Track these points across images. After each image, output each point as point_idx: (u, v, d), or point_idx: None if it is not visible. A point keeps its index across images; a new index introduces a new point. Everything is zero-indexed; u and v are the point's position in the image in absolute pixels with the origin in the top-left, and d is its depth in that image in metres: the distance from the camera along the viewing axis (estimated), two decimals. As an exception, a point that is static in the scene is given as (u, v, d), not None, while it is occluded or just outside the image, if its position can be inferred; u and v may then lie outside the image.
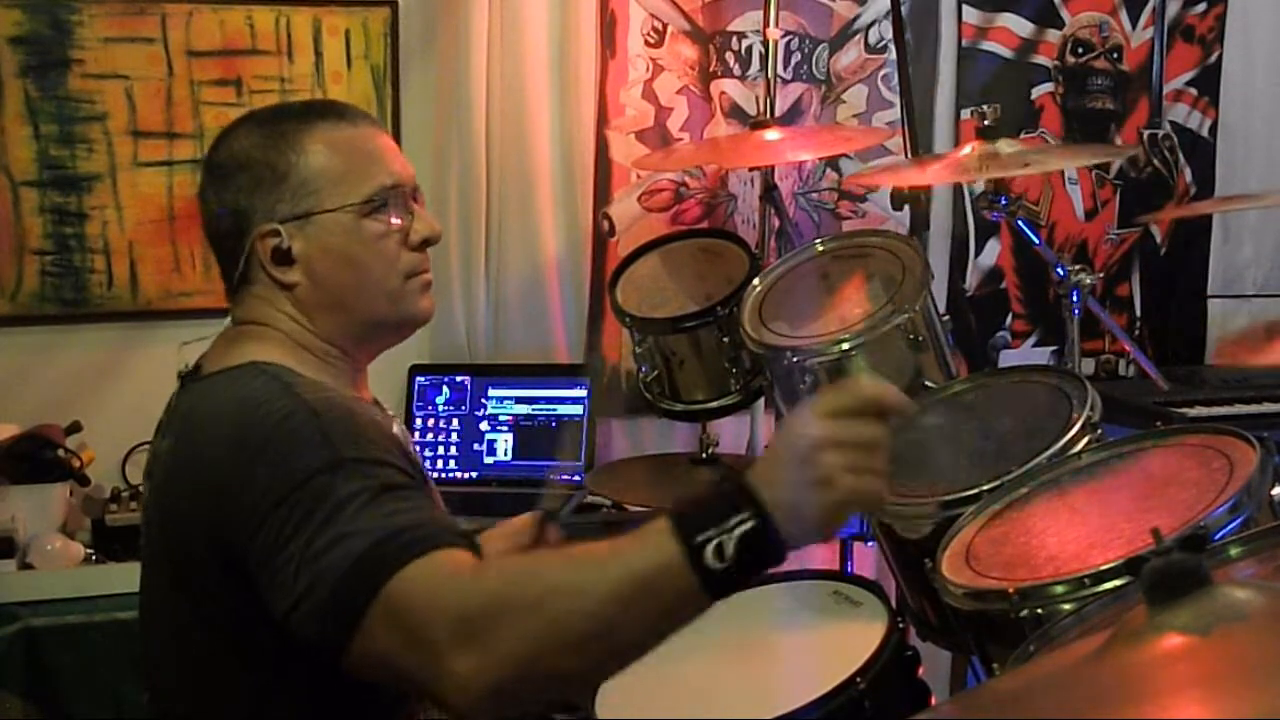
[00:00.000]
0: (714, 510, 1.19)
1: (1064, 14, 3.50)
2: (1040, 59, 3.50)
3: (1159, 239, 3.63)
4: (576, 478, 2.99)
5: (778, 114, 2.99)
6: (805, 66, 3.32)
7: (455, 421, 3.09)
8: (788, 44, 3.27)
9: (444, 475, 3.04)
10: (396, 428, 1.61)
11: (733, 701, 1.76)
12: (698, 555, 1.17)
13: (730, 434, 2.99)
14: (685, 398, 2.52)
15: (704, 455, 2.61)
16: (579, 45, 3.14)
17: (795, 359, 2.12)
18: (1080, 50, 3.53)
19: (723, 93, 3.26)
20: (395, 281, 1.55)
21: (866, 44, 3.36)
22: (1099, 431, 1.84)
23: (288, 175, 1.50)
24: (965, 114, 3.39)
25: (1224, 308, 3.66)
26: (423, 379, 3.11)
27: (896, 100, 3.28)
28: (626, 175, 3.23)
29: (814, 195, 3.37)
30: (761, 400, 2.61)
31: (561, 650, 1.20)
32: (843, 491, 1.19)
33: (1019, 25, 3.47)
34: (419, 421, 3.08)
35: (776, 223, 2.95)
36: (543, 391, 3.07)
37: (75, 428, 2.74)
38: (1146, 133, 3.60)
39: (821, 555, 2.96)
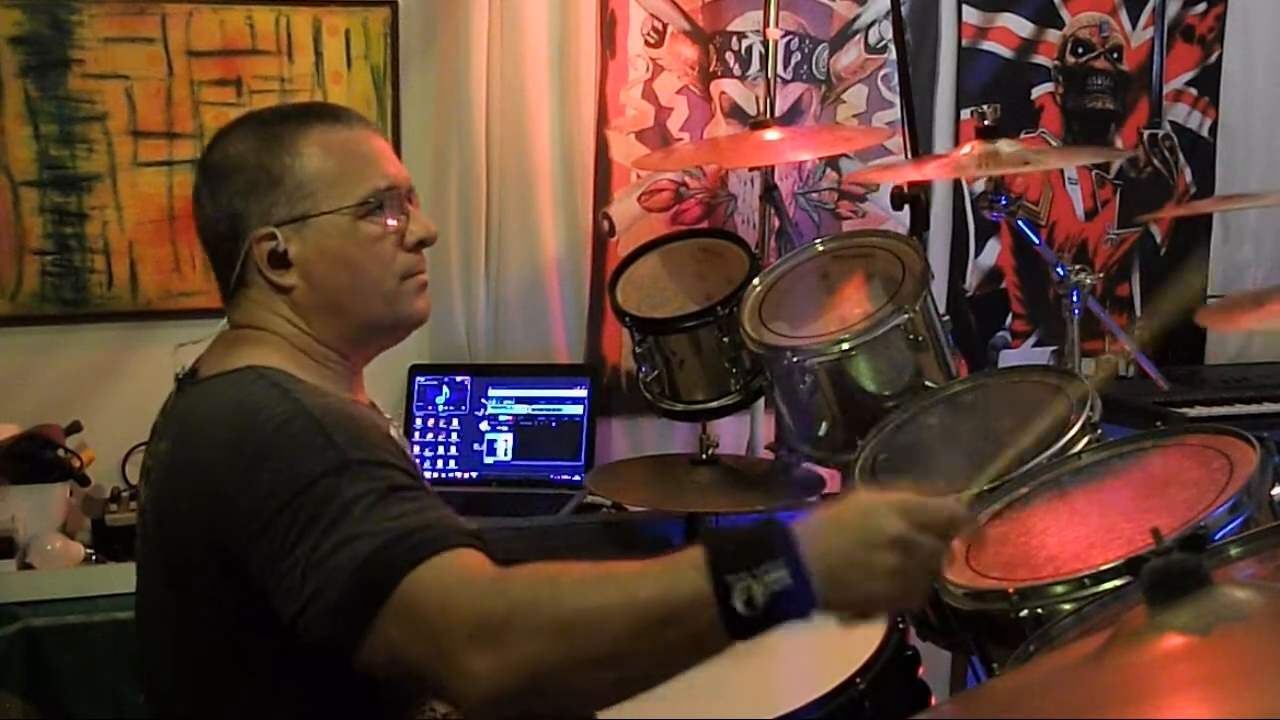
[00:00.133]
0: (751, 553, 1.18)
1: (1064, 14, 3.50)
2: (1040, 59, 3.50)
3: (1159, 239, 3.63)
4: (576, 478, 2.99)
5: (778, 114, 3.00)
6: (805, 66, 3.32)
7: (455, 421, 3.09)
8: (788, 44, 3.27)
9: (444, 475, 3.04)
10: (394, 431, 1.61)
11: (733, 701, 1.76)
12: (726, 596, 1.17)
13: (730, 434, 2.98)
14: (685, 398, 2.52)
15: (704, 455, 2.61)
16: (579, 45, 3.14)
17: (795, 359, 2.12)
18: (1080, 50, 3.52)
19: (723, 93, 3.26)
20: (391, 283, 1.55)
21: (866, 44, 3.36)
22: (1099, 431, 1.84)
23: (283, 178, 1.50)
24: (965, 114, 3.39)
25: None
26: (423, 379, 3.11)
27: (896, 100, 3.28)
28: (626, 175, 3.23)
29: (814, 195, 3.37)
30: (761, 400, 2.61)
31: (577, 666, 1.20)
32: (884, 587, 1.20)
33: (1019, 25, 3.47)
34: (419, 421, 3.08)
35: (776, 223, 2.95)
36: (543, 391, 3.07)
37: (75, 428, 2.74)
38: (1146, 133, 3.60)
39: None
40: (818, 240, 2.39)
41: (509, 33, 3.09)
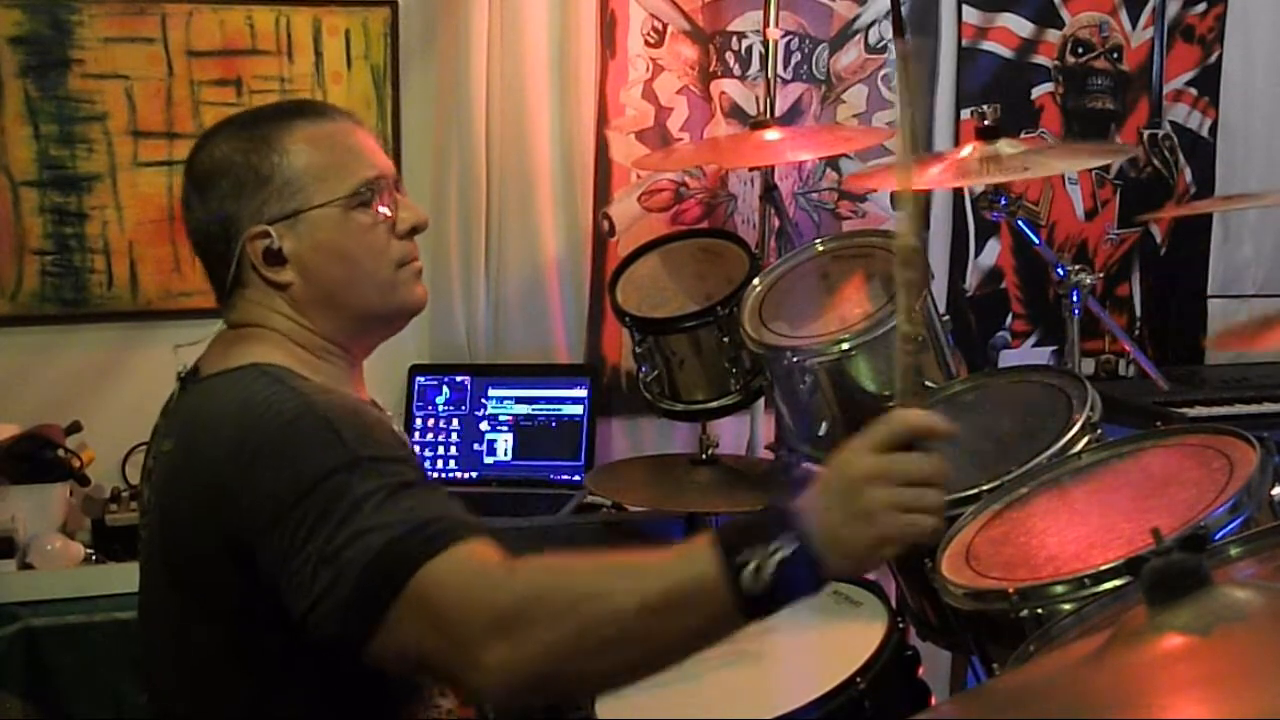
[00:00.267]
0: (755, 533, 1.20)
1: (1064, 14, 3.50)
2: (1040, 59, 3.50)
3: (1159, 239, 3.63)
4: (576, 478, 2.99)
5: (778, 114, 3.00)
6: (805, 66, 3.32)
7: (455, 421, 3.09)
8: (788, 44, 3.27)
9: (444, 475, 3.04)
10: (395, 427, 1.61)
11: (733, 701, 1.76)
12: (736, 576, 1.19)
13: (730, 434, 2.99)
14: (685, 398, 2.52)
15: (704, 455, 2.61)
16: (579, 45, 3.14)
17: (795, 359, 2.12)
18: (1080, 50, 3.52)
19: (723, 93, 3.26)
20: (387, 271, 1.55)
21: (866, 44, 3.36)
22: (1099, 431, 1.84)
23: (271, 176, 1.50)
24: (965, 114, 3.39)
25: (1224, 307, 3.66)
26: (423, 379, 3.11)
27: (896, 100, 3.28)
28: (626, 175, 3.23)
29: (814, 195, 3.37)
30: (761, 400, 2.61)
31: (592, 653, 1.22)
32: (884, 527, 1.20)
33: (1019, 25, 3.47)
34: (419, 421, 3.08)
35: (776, 223, 2.95)
36: (543, 391, 3.07)
37: (75, 428, 2.74)
38: (1146, 133, 3.60)
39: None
40: (818, 240, 2.39)
41: (509, 33, 3.09)
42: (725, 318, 2.39)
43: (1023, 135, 3.44)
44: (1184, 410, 2.94)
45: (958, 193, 3.44)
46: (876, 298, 2.16)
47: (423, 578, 1.24)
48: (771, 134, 2.70)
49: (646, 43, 3.21)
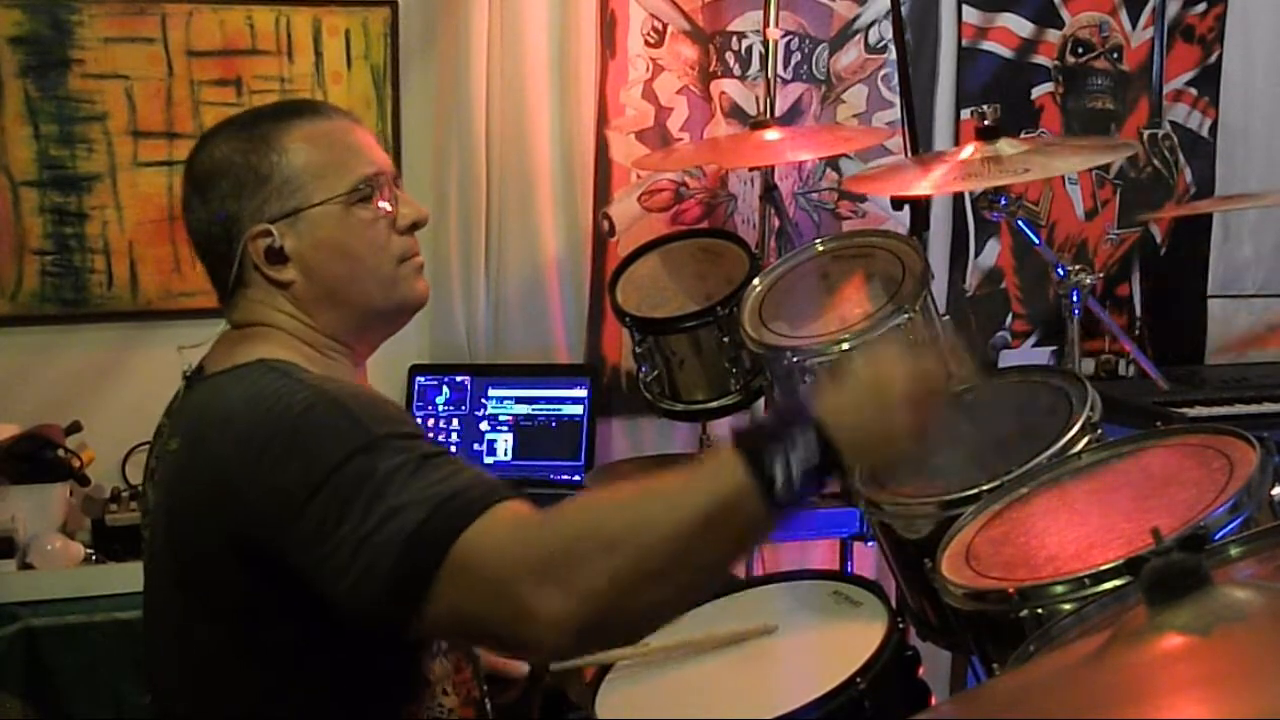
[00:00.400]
0: (776, 434, 1.25)
1: (1064, 14, 3.50)
2: (1040, 59, 3.50)
3: (1159, 239, 3.64)
4: (576, 478, 2.99)
5: (778, 114, 3.00)
6: (805, 66, 3.32)
7: (455, 421, 3.09)
8: (788, 44, 3.27)
9: (444, 475, 3.03)
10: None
11: (733, 701, 1.76)
12: (764, 477, 1.23)
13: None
14: (685, 398, 2.52)
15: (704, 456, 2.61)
16: (579, 45, 3.14)
17: (795, 359, 2.12)
18: (1080, 50, 3.53)
19: (723, 93, 3.26)
20: (389, 267, 1.56)
21: (866, 44, 3.36)
22: (1099, 431, 1.84)
23: (271, 175, 1.51)
24: (965, 114, 3.39)
25: (1224, 308, 3.66)
26: (423, 379, 3.11)
27: (896, 100, 3.28)
28: (626, 175, 3.23)
29: (814, 195, 3.37)
30: (761, 400, 2.61)
31: (642, 581, 1.24)
32: (901, 442, 1.29)
33: (1019, 25, 3.47)
34: (419, 421, 3.08)
35: (776, 223, 2.95)
36: (543, 391, 3.07)
37: (75, 428, 2.74)
38: (1146, 133, 3.60)
39: (821, 555, 2.96)
40: (818, 240, 2.39)
41: (509, 33, 3.09)
42: (725, 318, 2.39)
43: (1023, 135, 3.44)
44: (1184, 410, 2.94)
45: (958, 193, 3.44)
46: (876, 298, 2.16)
47: (463, 544, 1.25)
48: (771, 134, 2.70)
49: (646, 43, 3.21)
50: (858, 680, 1.67)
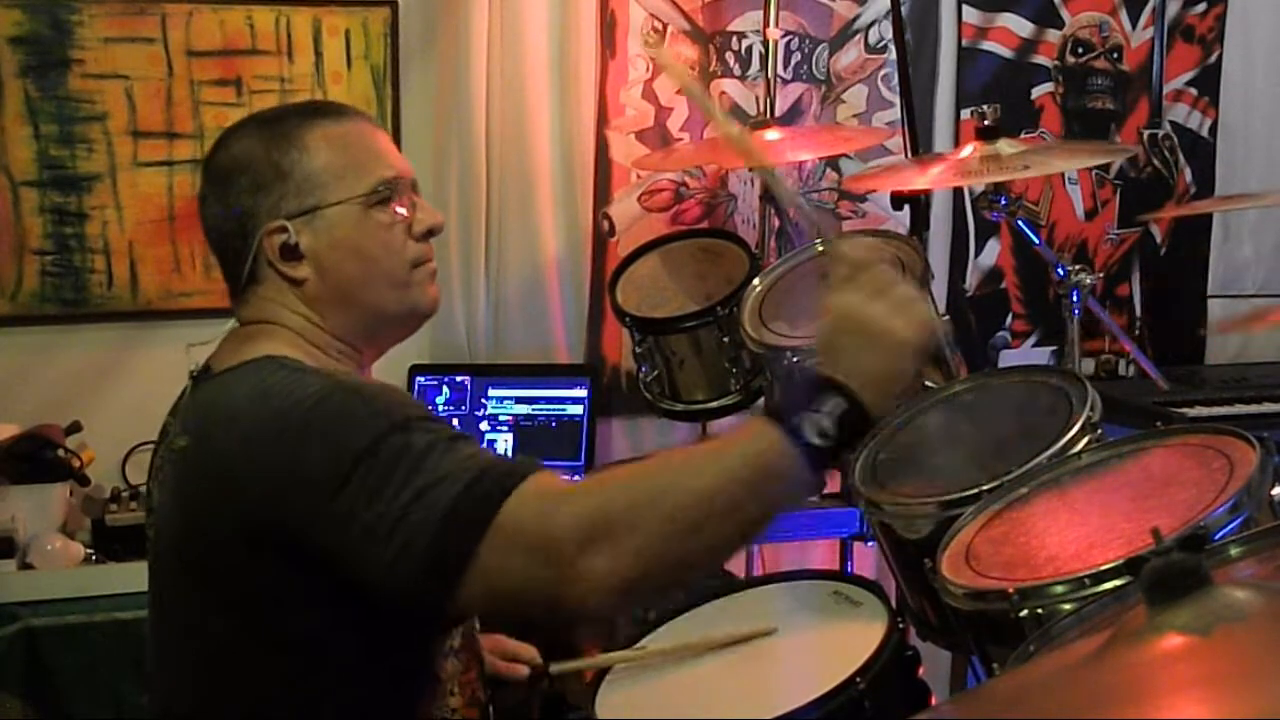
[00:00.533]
0: (802, 397, 1.31)
1: (1064, 14, 3.50)
2: (1040, 59, 3.50)
3: (1159, 239, 3.64)
4: (576, 478, 2.99)
5: (778, 114, 3.00)
6: (805, 66, 3.32)
7: (455, 421, 3.08)
8: (788, 44, 3.27)
9: (444, 475, 3.03)
10: None
11: (733, 701, 1.76)
12: (800, 437, 1.28)
13: (730, 434, 2.98)
14: (685, 398, 2.52)
15: (704, 455, 2.61)
16: (579, 45, 3.14)
17: (795, 359, 2.12)
18: (1080, 50, 3.53)
19: (723, 93, 3.26)
20: (402, 271, 1.57)
21: (866, 44, 3.36)
22: (1099, 431, 1.84)
23: (291, 172, 1.52)
24: (965, 114, 3.39)
25: (1224, 308, 3.66)
26: (423, 379, 3.11)
27: (896, 100, 3.28)
28: (626, 175, 3.23)
29: (814, 195, 3.37)
30: (761, 400, 2.61)
31: (684, 538, 1.27)
32: (899, 331, 1.32)
33: (1019, 25, 3.47)
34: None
35: (776, 223, 2.95)
36: (543, 391, 3.07)
37: (75, 428, 2.74)
38: (1146, 133, 3.60)
39: (821, 555, 2.96)
40: (818, 240, 2.38)
41: (509, 33, 3.09)
42: (725, 318, 2.39)
43: (1023, 135, 3.44)
44: (1184, 410, 2.94)
45: (958, 192, 3.44)
46: (876, 298, 2.16)
47: (505, 514, 1.28)
48: (771, 134, 2.71)
49: (646, 43, 3.21)
50: (858, 680, 1.67)
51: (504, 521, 1.28)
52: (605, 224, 3.23)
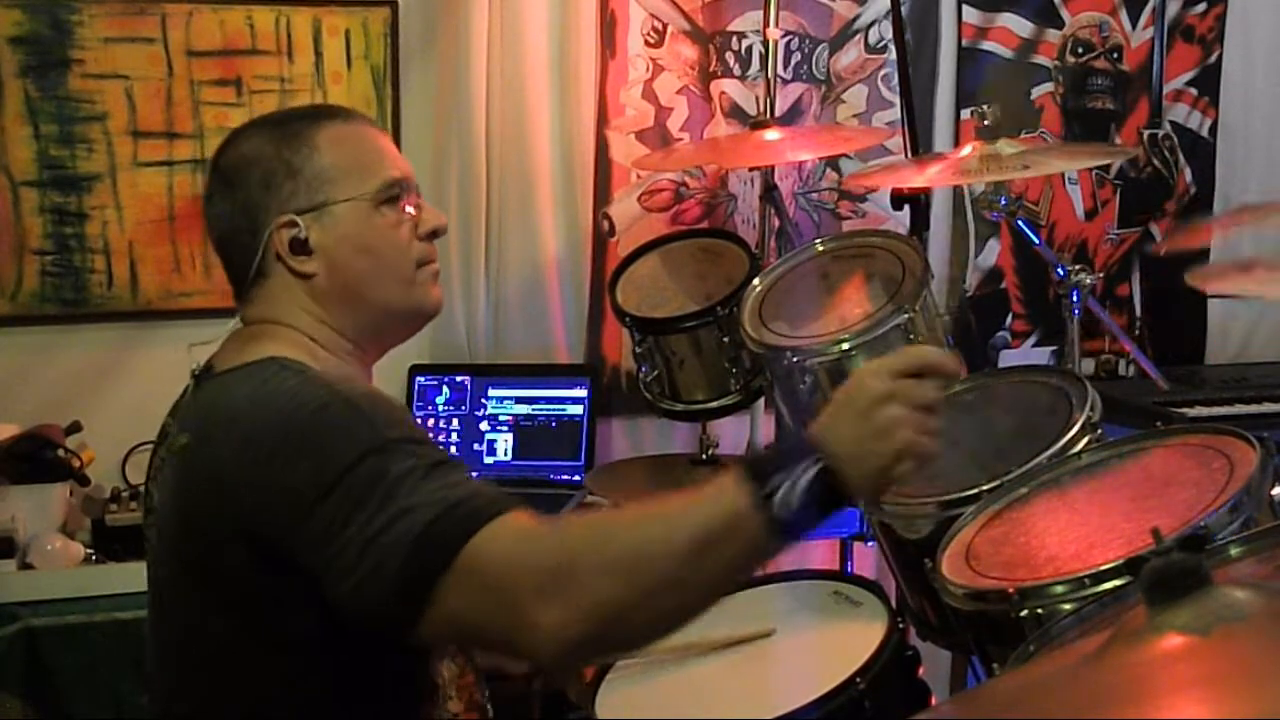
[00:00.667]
0: (782, 461, 1.26)
1: (1064, 14, 3.50)
2: (1040, 59, 3.50)
3: (1159, 239, 3.63)
4: (576, 478, 2.99)
5: (778, 114, 2.99)
6: (805, 66, 3.32)
7: (455, 421, 3.09)
8: (788, 44, 3.27)
9: (444, 475, 3.03)
10: None
11: (733, 701, 1.76)
12: (766, 504, 1.24)
13: (730, 434, 2.98)
14: (685, 398, 2.52)
15: (704, 455, 2.61)
16: (579, 45, 3.14)
17: (795, 359, 2.12)
18: (1080, 50, 3.53)
19: (723, 93, 3.26)
20: (409, 269, 1.58)
21: (866, 44, 3.36)
22: (1099, 431, 1.84)
23: (302, 169, 1.53)
24: (965, 114, 3.39)
25: (1224, 308, 3.66)
26: (423, 379, 3.11)
27: (896, 100, 3.28)
28: (626, 175, 3.23)
29: (814, 195, 3.37)
30: (761, 400, 2.61)
31: (641, 599, 1.25)
32: (899, 443, 1.27)
33: (1019, 25, 3.47)
34: (419, 421, 3.08)
35: (776, 223, 2.95)
36: (543, 391, 3.07)
37: (75, 428, 2.74)
38: (1146, 133, 3.60)
39: (821, 555, 2.96)
40: (818, 240, 2.38)
41: (509, 33, 3.09)
42: (725, 318, 2.39)
43: (1023, 135, 3.44)
44: (1184, 410, 2.94)
45: (958, 193, 3.44)
46: (876, 298, 2.16)
47: (470, 550, 1.27)
48: (771, 134, 2.70)
49: (646, 43, 3.21)
50: (858, 680, 1.67)
51: (469, 556, 1.27)
52: (605, 224, 3.23)
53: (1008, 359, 3.49)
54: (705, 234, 2.77)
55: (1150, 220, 3.61)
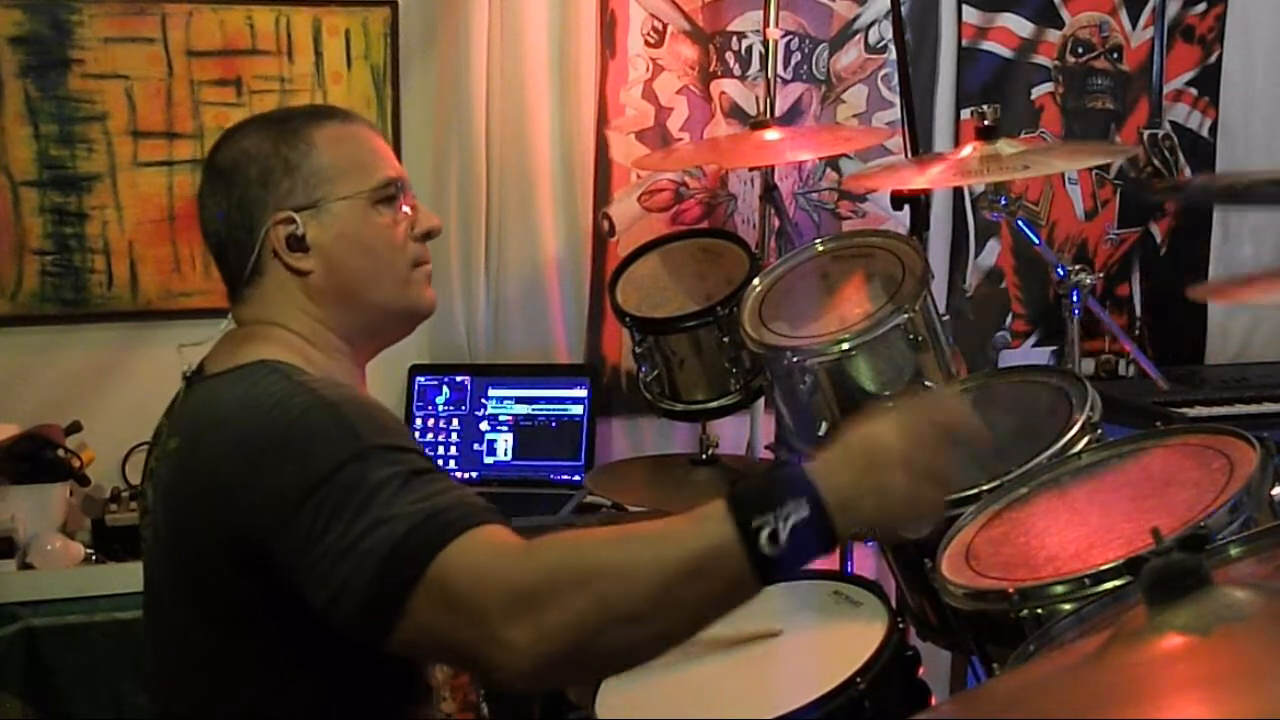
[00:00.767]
0: (770, 496, 1.21)
1: (1064, 14, 3.50)
2: (1040, 59, 3.50)
3: (1159, 239, 3.63)
4: (576, 478, 2.99)
5: (778, 114, 3.00)
6: (805, 66, 3.32)
7: (455, 421, 3.09)
8: (788, 44, 3.27)
9: (444, 475, 3.03)
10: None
11: (733, 701, 1.76)
12: (751, 539, 1.19)
13: (730, 434, 2.98)
14: (685, 398, 2.52)
15: (704, 455, 2.61)
16: (579, 45, 3.14)
17: (795, 359, 2.12)
18: (1080, 50, 3.53)
19: (723, 93, 3.26)
20: (404, 268, 1.58)
21: (866, 44, 3.36)
22: (1099, 431, 1.84)
23: (300, 166, 1.53)
24: (965, 114, 3.39)
25: (1224, 308, 3.66)
26: (423, 379, 3.11)
27: (896, 100, 3.28)
28: (626, 175, 3.23)
29: (814, 195, 3.37)
30: (761, 400, 2.61)
31: (612, 626, 1.22)
32: (899, 506, 1.23)
33: (1019, 25, 3.47)
34: (419, 421, 3.08)
35: (776, 223, 2.95)
36: (543, 391, 3.07)
37: (75, 428, 2.74)
38: (1146, 133, 3.60)
39: (821, 555, 2.96)
40: (818, 240, 2.38)
41: (509, 33, 3.09)
42: (725, 318, 2.39)
43: (1023, 135, 3.44)
44: (1184, 410, 2.94)
45: (958, 193, 3.44)
46: (876, 298, 2.16)
47: (440, 564, 1.25)
48: (771, 134, 2.70)
49: (646, 43, 3.21)
50: (858, 680, 1.67)
51: (436, 574, 1.25)
52: (605, 224, 3.23)
53: (1008, 359, 3.49)
54: (705, 234, 2.77)
55: (1150, 220, 3.61)
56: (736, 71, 3.27)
